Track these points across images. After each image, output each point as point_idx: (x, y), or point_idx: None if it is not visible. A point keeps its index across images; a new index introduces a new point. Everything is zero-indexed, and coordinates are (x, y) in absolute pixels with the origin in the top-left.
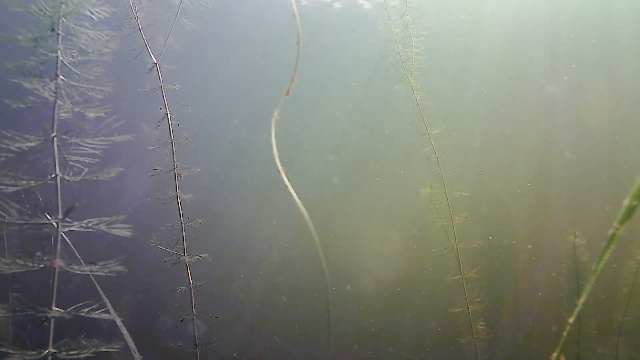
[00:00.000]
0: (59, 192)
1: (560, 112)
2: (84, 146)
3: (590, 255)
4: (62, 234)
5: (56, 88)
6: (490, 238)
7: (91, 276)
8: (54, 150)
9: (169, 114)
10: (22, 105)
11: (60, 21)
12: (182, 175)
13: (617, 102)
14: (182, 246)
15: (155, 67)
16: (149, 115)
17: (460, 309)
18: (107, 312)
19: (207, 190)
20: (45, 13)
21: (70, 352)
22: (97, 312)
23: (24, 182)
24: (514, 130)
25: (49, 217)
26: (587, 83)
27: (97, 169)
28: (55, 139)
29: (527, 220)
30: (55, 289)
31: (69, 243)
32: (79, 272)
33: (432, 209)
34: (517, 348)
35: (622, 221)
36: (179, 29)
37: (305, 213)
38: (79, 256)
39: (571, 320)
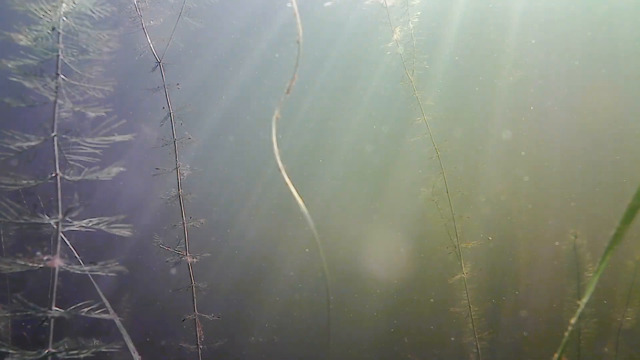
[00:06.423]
0: (59, 191)
1: (562, 112)
2: (85, 146)
3: (591, 256)
4: (62, 234)
5: (57, 87)
6: (490, 238)
7: (90, 276)
8: (54, 150)
9: (171, 113)
10: (23, 105)
11: (61, 20)
12: (184, 175)
13: (621, 101)
14: (184, 246)
15: (158, 66)
16: (150, 115)
17: (462, 309)
18: (107, 312)
19: (208, 189)
20: (46, 12)
21: (70, 352)
22: (96, 312)
23: (24, 181)
24: (515, 130)
25: (48, 217)
26: (590, 82)
27: (98, 169)
28: (55, 139)
29: (528, 220)
30: (55, 288)
31: (68, 244)
32: (79, 272)
33: (435, 209)
34: (518, 348)
35: (625, 222)
36: (181, 27)
37: (306, 212)
38: (78, 256)
39: (573, 320)
